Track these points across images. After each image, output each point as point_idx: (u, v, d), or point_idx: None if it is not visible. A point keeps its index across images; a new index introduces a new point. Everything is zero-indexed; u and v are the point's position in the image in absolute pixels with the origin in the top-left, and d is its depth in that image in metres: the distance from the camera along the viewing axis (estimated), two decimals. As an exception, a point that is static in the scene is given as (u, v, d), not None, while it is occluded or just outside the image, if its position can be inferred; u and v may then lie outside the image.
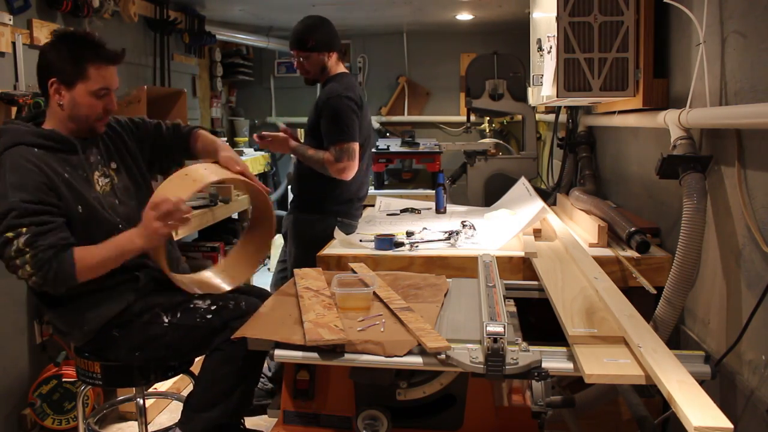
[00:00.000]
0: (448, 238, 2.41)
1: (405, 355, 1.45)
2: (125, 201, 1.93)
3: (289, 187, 5.66)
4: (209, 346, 1.85)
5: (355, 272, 2.03)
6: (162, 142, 2.10)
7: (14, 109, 2.67)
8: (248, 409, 2.01)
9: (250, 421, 2.15)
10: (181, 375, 2.11)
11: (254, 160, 5.61)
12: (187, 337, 1.85)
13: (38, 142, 1.77)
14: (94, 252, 1.73)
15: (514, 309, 1.79)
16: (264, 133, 2.93)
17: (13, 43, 2.72)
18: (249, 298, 1.91)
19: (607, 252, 2.24)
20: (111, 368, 1.92)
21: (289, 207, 3.07)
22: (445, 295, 1.88)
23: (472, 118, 4.32)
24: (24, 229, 1.65)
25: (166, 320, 1.85)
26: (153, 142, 2.08)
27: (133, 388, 2.39)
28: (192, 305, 1.88)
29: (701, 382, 1.24)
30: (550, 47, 2.38)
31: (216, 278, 2.02)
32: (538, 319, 2.04)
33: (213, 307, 1.87)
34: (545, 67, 2.53)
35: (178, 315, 1.86)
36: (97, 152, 1.93)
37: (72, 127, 1.85)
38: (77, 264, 1.68)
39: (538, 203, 2.62)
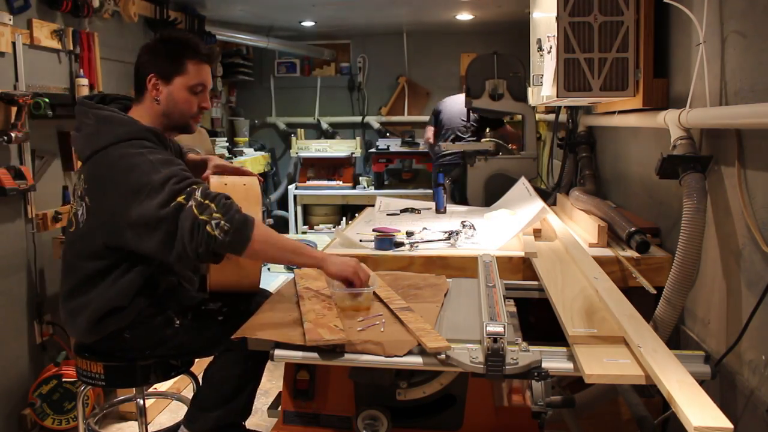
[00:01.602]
0: (448, 238, 2.42)
1: (405, 355, 1.45)
2: None
3: (290, 187, 5.67)
4: (219, 347, 1.84)
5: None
6: None
7: (14, 109, 2.67)
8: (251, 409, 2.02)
9: (250, 421, 2.15)
10: (182, 375, 2.11)
11: (254, 160, 5.61)
12: (197, 339, 1.86)
13: (152, 138, 1.81)
14: (271, 231, 1.74)
15: (514, 309, 1.79)
16: None
17: (13, 43, 2.73)
18: (258, 302, 1.88)
19: (607, 252, 2.24)
20: (105, 368, 1.91)
21: None
22: (445, 295, 1.88)
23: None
24: (194, 186, 1.66)
25: (178, 322, 1.85)
26: None
27: (133, 388, 2.39)
28: (204, 307, 1.88)
29: (701, 382, 1.24)
30: (550, 47, 2.38)
31: None
32: (538, 319, 2.04)
33: (224, 309, 1.87)
34: (545, 67, 2.53)
35: (190, 317, 1.86)
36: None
37: (164, 122, 1.88)
38: (255, 228, 1.66)
39: (538, 203, 2.62)
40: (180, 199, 1.64)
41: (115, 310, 1.80)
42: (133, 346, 1.86)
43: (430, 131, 4.94)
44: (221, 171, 2.04)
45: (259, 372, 1.89)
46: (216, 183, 1.95)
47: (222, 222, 1.62)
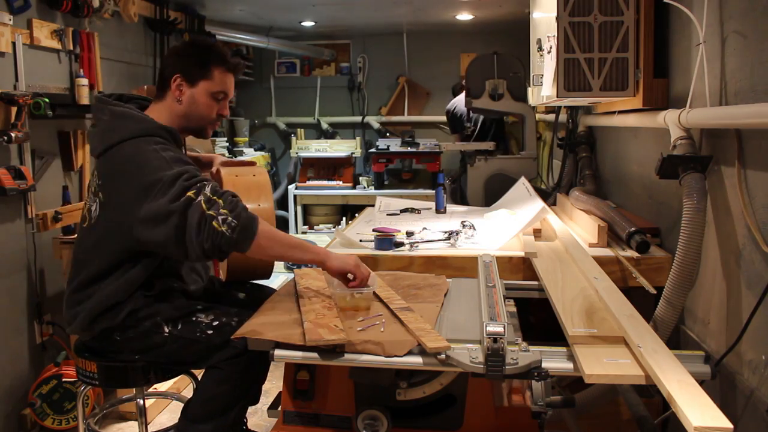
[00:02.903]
0: (448, 238, 2.42)
1: (405, 355, 1.45)
2: None
3: (290, 187, 5.67)
4: (207, 362, 1.84)
5: (355, 272, 2.03)
6: None
7: (14, 109, 2.67)
8: (242, 428, 2.02)
9: (249, 421, 2.15)
10: (182, 375, 2.11)
11: (254, 160, 5.61)
12: (186, 350, 1.84)
13: (166, 136, 1.83)
14: (275, 230, 1.79)
15: (514, 309, 1.79)
16: None
17: (13, 43, 2.73)
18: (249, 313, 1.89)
19: (607, 252, 2.24)
20: (108, 368, 1.91)
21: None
22: (445, 295, 1.88)
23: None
24: (204, 182, 1.69)
25: (167, 330, 1.84)
26: None
27: (133, 388, 2.39)
28: (194, 318, 1.86)
29: (701, 382, 1.24)
30: (550, 47, 2.38)
31: None
32: (538, 319, 2.04)
33: (215, 323, 1.85)
34: (545, 67, 2.53)
35: (179, 326, 1.85)
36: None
37: (182, 124, 1.91)
38: (259, 225, 1.70)
39: (538, 203, 2.62)
40: (190, 194, 1.66)
41: (110, 307, 1.81)
42: (123, 349, 1.86)
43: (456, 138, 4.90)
44: (229, 164, 2.12)
45: (249, 390, 1.88)
46: (227, 174, 2.04)
47: (229, 218, 1.65)
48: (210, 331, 1.83)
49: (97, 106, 1.88)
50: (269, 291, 2.16)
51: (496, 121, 4.59)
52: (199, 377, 1.91)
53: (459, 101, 4.74)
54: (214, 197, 1.67)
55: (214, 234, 1.64)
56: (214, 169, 2.13)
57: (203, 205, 1.65)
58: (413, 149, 5.34)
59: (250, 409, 2.09)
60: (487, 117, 4.48)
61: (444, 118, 5.95)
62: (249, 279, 2.14)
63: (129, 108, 1.85)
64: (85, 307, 1.82)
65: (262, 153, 5.99)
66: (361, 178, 5.68)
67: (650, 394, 1.73)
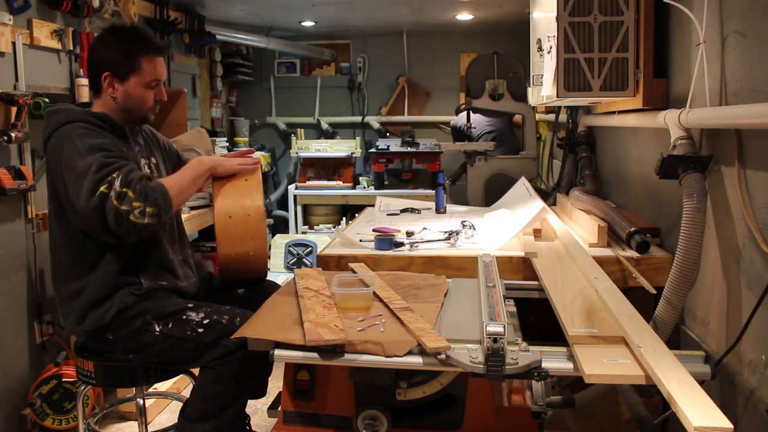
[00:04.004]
0: (448, 238, 2.42)
1: (405, 355, 1.45)
2: None
3: (290, 187, 5.67)
4: (199, 361, 1.84)
5: (355, 272, 2.03)
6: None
7: (14, 110, 2.67)
8: (244, 423, 2.02)
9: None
10: (181, 375, 2.11)
11: (253, 150, 5.61)
12: (177, 349, 1.85)
13: (93, 122, 1.84)
14: (174, 178, 1.89)
15: (514, 309, 1.79)
16: None
17: (13, 43, 2.72)
18: (245, 312, 1.88)
19: (607, 252, 2.24)
20: (104, 368, 1.92)
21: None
22: (445, 295, 1.88)
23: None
24: (113, 174, 1.71)
25: (158, 329, 1.84)
26: (172, 167, 2.18)
27: (133, 388, 2.39)
28: (185, 316, 1.87)
29: (701, 382, 1.24)
30: (550, 47, 2.38)
31: None
32: (538, 319, 2.04)
33: (205, 321, 1.85)
34: (545, 67, 2.53)
35: (170, 325, 1.85)
36: (141, 142, 2.03)
37: (123, 117, 1.92)
38: (168, 189, 1.78)
39: (538, 203, 2.62)
40: (102, 188, 1.70)
41: (97, 303, 1.83)
42: (116, 348, 1.87)
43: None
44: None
45: (246, 387, 1.88)
46: (219, 190, 2.05)
47: (144, 208, 1.71)
48: (200, 330, 1.84)
49: (46, 116, 1.93)
50: (268, 285, 2.16)
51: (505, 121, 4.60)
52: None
53: (461, 117, 4.78)
54: (124, 189, 1.70)
55: (135, 227, 1.71)
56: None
57: (114, 202, 1.68)
58: (413, 149, 5.34)
59: (250, 409, 2.09)
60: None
61: (444, 118, 5.97)
62: (243, 279, 2.13)
63: (63, 104, 1.90)
64: (74, 306, 1.84)
65: (262, 153, 5.99)
66: (361, 178, 5.68)
67: (650, 394, 1.72)
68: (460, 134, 4.81)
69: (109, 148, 1.79)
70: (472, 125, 4.31)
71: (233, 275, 2.08)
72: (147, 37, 1.91)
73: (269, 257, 5.46)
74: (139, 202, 1.70)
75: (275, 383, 2.28)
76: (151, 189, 1.73)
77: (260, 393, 2.10)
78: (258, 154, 5.72)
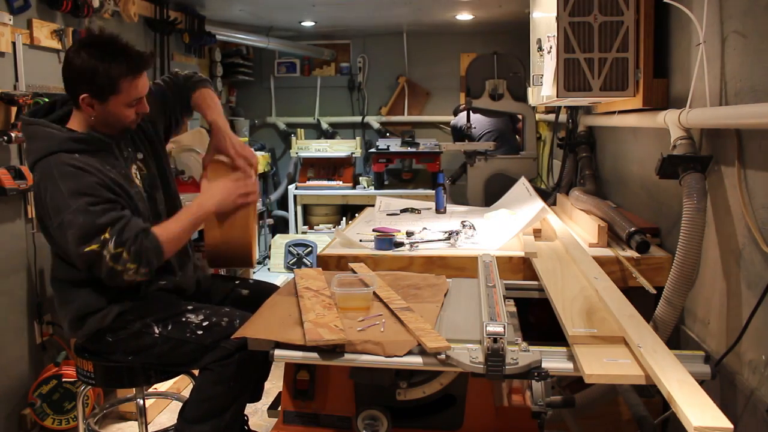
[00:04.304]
0: (448, 238, 2.41)
1: (405, 355, 1.45)
2: (152, 194, 1.98)
3: (290, 187, 5.68)
4: (199, 363, 1.84)
5: (355, 272, 2.03)
6: (169, 110, 2.10)
7: (14, 109, 2.67)
8: (243, 425, 2.02)
9: (249, 421, 2.15)
10: (182, 375, 2.11)
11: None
12: (176, 351, 1.85)
13: (77, 147, 1.77)
14: (171, 227, 1.84)
15: (514, 309, 1.79)
16: None
17: (13, 43, 2.73)
18: (245, 314, 1.87)
19: (607, 252, 2.24)
20: (104, 368, 1.92)
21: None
22: (445, 295, 1.88)
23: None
24: (106, 235, 1.69)
25: (157, 331, 1.84)
26: (163, 114, 2.08)
27: (133, 388, 2.39)
28: (184, 318, 1.87)
29: (701, 382, 1.24)
30: (550, 47, 2.38)
31: None
32: (538, 319, 2.04)
33: (205, 323, 1.86)
34: (545, 67, 2.53)
35: (169, 327, 1.85)
36: (127, 146, 1.95)
37: (103, 129, 1.86)
38: (163, 243, 1.77)
39: (538, 203, 2.62)
40: (94, 247, 1.68)
41: (95, 311, 1.84)
42: (116, 350, 1.87)
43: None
44: (220, 160, 2.05)
45: (245, 389, 1.88)
46: (212, 171, 2.04)
47: (138, 268, 1.72)
48: (200, 332, 1.84)
49: (22, 128, 1.91)
50: (268, 286, 2.16)
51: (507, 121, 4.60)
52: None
53: (461, 117, 4.78)
54: (119, 249, 1.69)
55: (126, 280, 1.73)
56: (206, 164, 2.07)
57: (109, 262, 1.69)
58: (413, 149, 5.34)
59: (250, 409, 2.09)
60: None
61: (444, 118, 5.96)
62: (229, 266, 2.16)
63: (40, 124, 1.81)
64: (71, 310, 1.84)
65: (262, 153, 5.98)
66: (361, 178, 5.68)
67: (650, 394, 1.73)
68: (460, 134, 4.81)
69: (92, 192, 1.71)
70: (473, 125, 4.32)
71: (219, 263, 2.13)
72: (127, 54, 1.76)
73: (269, 257, 5.48)
74: (134, 264, 1.71)
75: (275, 383, 2.29)
76: (145, 250, 1.72)
77: (256, 397, 2.11)
78: (258, 154, 5.73)
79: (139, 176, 1.95)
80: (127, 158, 1.93)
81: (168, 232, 1.81)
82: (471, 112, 4.05)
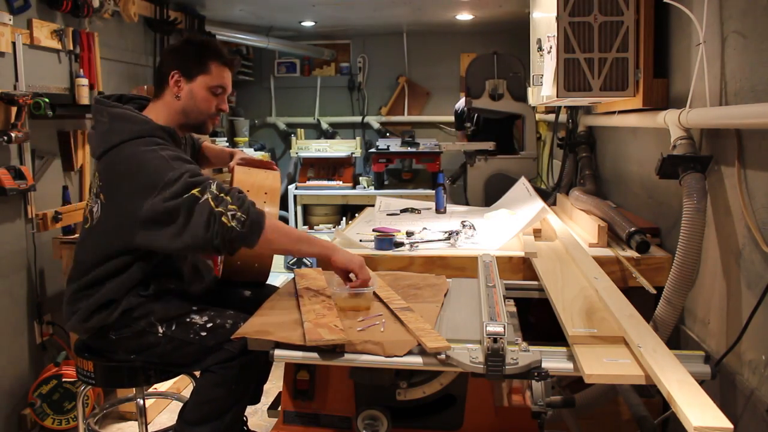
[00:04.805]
0: (448, 238, 2.42)
1: (405, 355, 1.45)
2: None
3: (290, 187, 5.68)
4: (201, 364, 1.84)
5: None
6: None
7: (14, 109, 2.67)
8: (242, 427, 2.02)
9: (249, 421, 2.15)
10: (182, 375, 2.11)
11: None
12: (179, 351, 1.84)
13: (165, 137, 1.84)
14: (282, 224, 1.84)
15: (514, 309, 1.79)
16: None
17: (13, 43, 2.73)
18: (249, 317, 1.86)
19: (607, 252, 2.24)
20: (104, 368, 1.91)
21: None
22: (445, 295, 1.88)
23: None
24: (209, 181, 1.71)
25: (161, 331, 1.84)
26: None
27: (133, 388, 2.39)
28: (188, 319, 1.86)
29: (701, 382, 1.24)
30: (550, 47, 2.38)
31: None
32: (538, 319, 2.04)
33: (209, 325, 1.85)
34: (545, 67, 2.53)
35: (173, 327, 1.85)
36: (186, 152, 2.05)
37: (180, 120, 1.92)
38: (267, 225, 1.74)
39: (538, 203, 2.62)
40: (195, 191, 1.68)
41: (105, 304, 1.82)
42: (119, 348, 1.87)
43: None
44: (246, 163, 2.19)
45: (246, 392, 1.87)
46: (241, 173, 2.10)
47: (238, 213, 1.68)
48: (204, 333, 1.83)
49: (96, 107, 1.89)
50: (273, 289, 2.16)
51: (501, 121, 4.60)
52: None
53: (463, 101, 4.76)
54: (221, 194, 1.70)
55: (224, 230, 1.67)
56: (232, 164, 2.19)
57: (211, 203, 1.67)
58: (413, 149, 5.33)
59: (250, 409, 2.09)
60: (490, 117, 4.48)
61: (444, 118, 5.97)
62: (243, 279, 2.14)
63: (127, 109, 1.86)
64: (82, 305, 1.83)
65: (262, 153, 5.98)
66: (361, 178, 5.68)
67: (650, 394, 1.73)
68: (461, 119, 4.81)
69: (192, 162, 1.81)
70: (473, 126, 4.32)
71: (234, 277, 2.11)
72: (218, 46, 1.95)
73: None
74: (235, 206, 1.69)
75: (275, 383, 2.29)
76: (249, 203, 1.73)
77: (255, 400, 2.11)
78: (258, 154, 5.74)
79: None
80: None
81: (276, 222, 1.81)
82: (471, 112, 4.05)
